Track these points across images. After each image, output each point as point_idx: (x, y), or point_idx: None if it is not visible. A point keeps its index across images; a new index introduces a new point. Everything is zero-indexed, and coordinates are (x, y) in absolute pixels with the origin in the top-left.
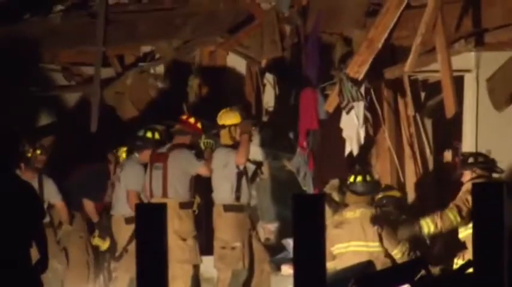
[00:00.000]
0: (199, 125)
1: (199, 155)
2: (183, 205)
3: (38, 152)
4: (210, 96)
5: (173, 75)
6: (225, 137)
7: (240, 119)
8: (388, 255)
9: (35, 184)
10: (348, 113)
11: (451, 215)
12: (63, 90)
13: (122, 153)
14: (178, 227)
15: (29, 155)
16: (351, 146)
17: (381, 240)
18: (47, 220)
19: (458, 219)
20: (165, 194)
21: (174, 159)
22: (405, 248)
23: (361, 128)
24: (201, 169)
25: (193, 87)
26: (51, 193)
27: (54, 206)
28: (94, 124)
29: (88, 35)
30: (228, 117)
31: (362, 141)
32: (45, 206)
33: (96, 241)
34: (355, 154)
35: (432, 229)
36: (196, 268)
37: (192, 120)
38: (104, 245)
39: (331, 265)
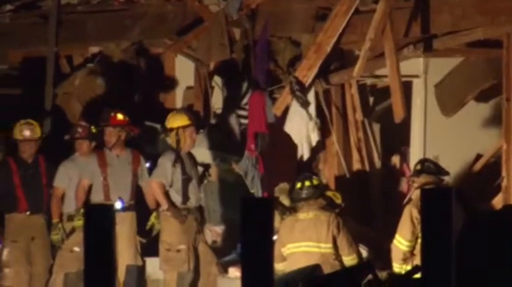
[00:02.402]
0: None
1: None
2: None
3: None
4: (158, 99)
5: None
6: (172, 140)
7: (187, 121)
8: (338, 258)
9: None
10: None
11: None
12: (13, 90)
13: None
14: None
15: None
16: (302, 151)
17: (334, 243)
18: None
19: (409, 243)
20: None
21: None
22: (360, 255)
23: (313, 133)
24: None
25: (141, 90)
26: None
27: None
28: (47, 126)
29: (37, 35)
30: (175, 120)
31: (313, 144)
32: None
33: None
34: (305, 159)
35: (406, 266)
36: (141, 269)
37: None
38: None
39: (280, 267)
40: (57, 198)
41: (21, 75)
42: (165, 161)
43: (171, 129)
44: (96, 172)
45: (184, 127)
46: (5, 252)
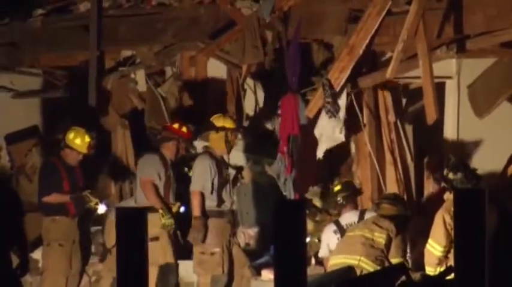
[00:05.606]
0: (184, 129)
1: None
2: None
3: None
4: (190, 102)
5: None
6: (220, 141)
7: (234, 125)
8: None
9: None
10: (330, 117)
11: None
12: (51, 93)
13: None
14: None
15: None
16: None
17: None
18: None
19: (444, 248)
20: (135, 200)
21: (138, 165)
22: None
23: (339, 133)
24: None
25: (174, 93)
26: None
27: None
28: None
29: (69, 39)
30: (226, 121)
31: (334, 144)
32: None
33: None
34: (320, 156)
35: (439, 268)
36: (174, 270)
37: (176, 125)
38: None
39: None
40: (153, 188)
41: (59, 80)
42: (204, 165)
43: (223, 129)
44: (162, 173)
45: (232, 130)
46: (48, 255)
